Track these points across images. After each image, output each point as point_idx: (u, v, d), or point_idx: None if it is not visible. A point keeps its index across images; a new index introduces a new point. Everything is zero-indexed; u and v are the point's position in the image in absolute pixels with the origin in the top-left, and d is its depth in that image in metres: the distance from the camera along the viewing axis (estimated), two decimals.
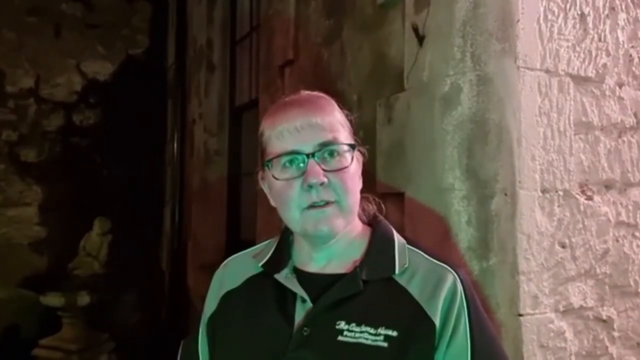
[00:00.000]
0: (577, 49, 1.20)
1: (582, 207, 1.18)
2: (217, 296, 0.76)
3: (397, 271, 0.69)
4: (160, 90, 4.11)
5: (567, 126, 1.17)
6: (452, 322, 0.66)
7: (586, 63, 1.21)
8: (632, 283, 1.25)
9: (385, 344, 0.64)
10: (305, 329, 0.66)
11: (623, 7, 1.28)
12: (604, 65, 1.24)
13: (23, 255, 3.69)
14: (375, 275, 0.69)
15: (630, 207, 1.26)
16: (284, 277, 0.70)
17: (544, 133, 1.13)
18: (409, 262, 0.70)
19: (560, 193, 1.15)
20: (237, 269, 0.77)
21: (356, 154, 0.71)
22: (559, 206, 1.14)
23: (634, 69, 1.29)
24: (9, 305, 3.55)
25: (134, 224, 3.73)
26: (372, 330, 0.64)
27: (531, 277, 1.08)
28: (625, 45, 1.28)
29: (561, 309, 1.12)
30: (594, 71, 1.22)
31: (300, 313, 0.68)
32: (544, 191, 1.12)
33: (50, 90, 3.84)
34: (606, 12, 1.25)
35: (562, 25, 1.18)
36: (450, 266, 0.70)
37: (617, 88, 1.26)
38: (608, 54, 1.25)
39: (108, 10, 3.96)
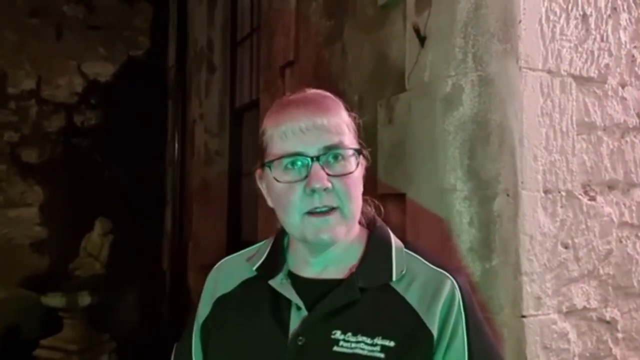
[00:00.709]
0: (579, 49, 1.20)
1: (585, 208, 1.17)
2: (210, 300, 0.74)
3: (394, 278, 0.67)
4: (161, 91, 4.11)
5: (569, 126, 1.16)
6: (450, 331, 0.64)
7: (588, 63, 1.21)
8: (635, 284, 1.24)
9: (382, 355, 0.62)
10: (301, 338, 0.64)
11: (625, 7, 1.27)
12: (607, 65, 1.24)
13: (24, 256, 3.69)
14: (372, 283, 0.67)
15: (633, 208, 1.26)
16: (279, 283, 0.68)
17: (546, 133, 1.13)
18: (407, 269, 0.68)
19: (563, 194, 1.14)
20: (230, 272, 0.75)
21: (360, 158, 0.69)
22: (561, 207, 1.14)
23: (636, 69, 1.29)
24: (10, 306, 3.55)
25: (134, 224, 3.73)
26: (368, 341, 0.63)
27: (534, 278, 1.08)
28: (628, 46, 1.28)
29: (564, 310, 1.12)
30: (597, 71, 1.22)
31: (295, 321, 0.66)
32: (546, 192, 1.12)
33: (52, 91, 3.84)
34: (608, 12, 1.24)
35: (564, 25, 1.17)
36: (449, 271, 0.68)
37: (620, 88, 1.26)
38: (610, 54, 1.24)
39: (109, 11, 3.96)
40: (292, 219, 0.66)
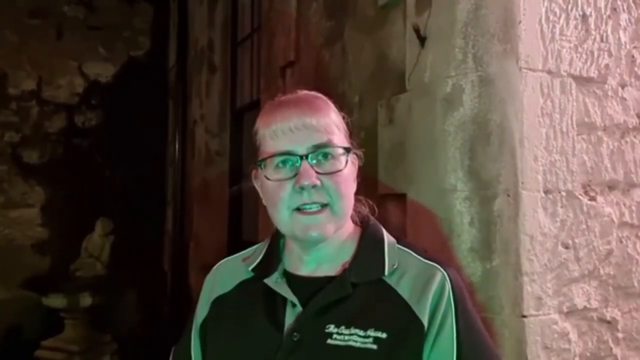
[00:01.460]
0: (579, 49, 1.20)
1: (585, 208, 1.17)
2: (208, 301, 0.76)
3: (386, 272, 0.68)
4: (162, 92, 4.11)
5: (569, 127, 1.16)
6: (439, 320, 0.65)
7: (588, 64, 1.21)
8: (636, 284, 1.24)
9: (374, 346, 0.63)
10: (295, 334, 0.66)
11: (625, 7, 1.27)
12: (606, 65, 1.24)
13: (25, 257, 3.70)
14: (364, 278, 0.68)
15: (633, 208, 1.26)
16: (274, 281, 0.70)
17: (547, 134, 1.13)
18: (399, 263, 0.69)
19: (563, 194, 1.14)
20: (228, 274, 0.77)
21: (351, 157, 0.70)
22: (562, 207, 1.14)
23: (636, 69, 1.29)
24: (11, 306, 3.55)
25: (135, 224, 3.74)
26: (361, 333, 0.64)
27: (534, 278, 1.08)
28: (628, 46, 1.28)
29: (565, 310, 1.12)
30: (596, 72, 1.22)
31: (290, 318, 0.67)
32: (546, 192, 1.12)
33: (52, 92, 3.84)
34: (608, 12, 1.24)
35: (564, 26, 1.17)
36: (440, 265, 0.69)
37: (620, 89, 1.26)
38: (610, 55, 1.24)
39: (109, 12, 3.96)
40: (282, 216, 0.68)
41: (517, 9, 1.12)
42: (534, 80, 1.13)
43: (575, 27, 1.19)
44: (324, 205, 0.66)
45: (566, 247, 1.13)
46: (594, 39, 1.22)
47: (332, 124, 0.69)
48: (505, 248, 1.09)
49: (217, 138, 3.18)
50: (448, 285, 0.67)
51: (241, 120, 3.00)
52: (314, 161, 0.66)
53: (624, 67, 1.27)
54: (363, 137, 1.48)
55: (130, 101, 3.89)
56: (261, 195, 0.73)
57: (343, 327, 0.65)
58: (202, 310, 0.76)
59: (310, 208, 0.66)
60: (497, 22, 1.13)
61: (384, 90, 1.47)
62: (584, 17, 1.20)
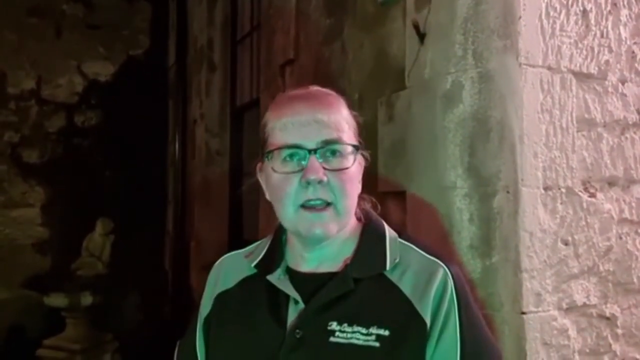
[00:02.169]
0: (580, 45, 1.20)
1: (585, 205, 1.17)
2: (211, 296, 0.76)
3: (388, 267, 0.68)
4: (161, 91, 4.11)
5: (569, 123, 1.16)
6: (442, 318, 0.65)
7: (588, 60, 1.21)
8: (635, 280, 1.24)
9: (377, 344, 0.63)
10: (298, 331, 0.66)
11: (625, 3, 1.27)
12: (607, 61, 1.23)
13: (26, 256, 3.70)
14: (366, 273, 0.68)
15: (633, 204, 1.26)
16: (277, 278, 0.70)
17: (546, 130, 1.13)
18: (401, 257, 0.69)
19: (563, 190, 1.14)
20: (231, 269, 0.77)
21: (358, 156, 0.70)
22: (561, 203, 1.14)
23: (636, 65, 1.29)
24: (12, 306, 3.56)
25: (136, 224, 3.74)
26: (363, 330, 0.64)
27: (534, 275, 1.08)
28: (628, 42, 1.27)
29: (564, 306, 1.12)
30: (597, 68, 1.22)
31: (292, 314, 0.67)
32: (546, 188, 1.12)
33: (52, 91, 3.84)
34: (608, 8, 1.24)
35: (564, 21, 1.17)
36: (442, 260, 0.69)
37: (620, 85, 1.26)
38: (610, 51, 1.24)
39: (109, 10, 3.96)
40: (287, 211, 0.67)
41: (517, 4, 1.11)
42: (534, 76, 1.12)
43: (576, 23, 1.19)
44: (328, 204, 0.66)
45: (566, 243, 1.13)
46: (594, 34, 1.22)
47: (342, 120, 0.69)
48: (504, 245, 1.09)
49: (217, 137, 3.18)
50: (450, 282, 0.67)
51: (241, 119, 2.99)
52: (322, 157, 0.66)
53: (624, 63, 1.26)
54: (363, 135, 1.48)
55: (129, 100, 3.89)
56: (265, 189, 0.72)
57: (345, 324, 0.65)
58: (205, 306, 0.76)
59: (315, 203, 0.66)
60: (497, 17, 1.13)
61: (384, 87, 1.47)
62: (585, 12, 1.20)
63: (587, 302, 1.15)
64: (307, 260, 0.71)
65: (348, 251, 0.71)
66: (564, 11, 1.17)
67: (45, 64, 3.79)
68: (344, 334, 0.64)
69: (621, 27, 1.26)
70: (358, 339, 0.64)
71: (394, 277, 0.68)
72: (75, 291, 3.06)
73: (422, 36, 1.28)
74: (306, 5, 1.96)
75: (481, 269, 1.12)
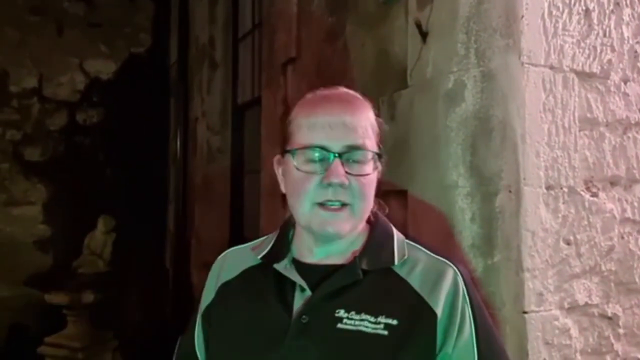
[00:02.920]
0: (582, 44, 1.19)
1: (587, 204, 1.17)
2: (214, 287, 0.76)
3: (396, 262, 0.69)
4: (163, 89, 4.11)
5: (571, 122, 1.16)
6: (459, 316, 0.66)
7: (591, 59, 1.20)
8: (637, 280, 1.24)
9: (385, 332, 0.64)
10: (304, 317, 0.66)
11: (628, 2, 1.27)
12: (609, 61, 1.23)
13: (28, 254, 3.71)
14: (374, 265, 0.69)
15: (635, 204, 1.25)
16: (283, 267, 0.70)
17: (549, 129, 1.13)
18: (409, 255, 0.70)
19: (565, 190, 1.14)
20: (234, 261, 0.78)
21: (378, 163, 0.71)
22: (563, 203, 1.14)
23: (639, 64, 1.28)
24: (14, 304, 3.57)
25: (137, 222, 3.74)
26: (372, 319, 0.65)
27: (536, 274, 1.08)
28: (630, 41, 1.27)
29: (566, 306, 1.12)
30: (599, 67, 1.21)
31: (299, 302, 0.68)
32: (548, 188, 1.12)
33: (54, 89, 3.85)
34: (611, 7, 1.24)
35: (567, 21, 1.17)
36: (450, 261, 0.70)
37: (622, 84, 1.26)
38: (613, 50, 1.24)
39: (110, 8, 3.96)
40: (303, 207, 0.68)
41: (519, 3, 1.11)
42: (536, 76, 1.12)
43: (578, 22, 1.19)
44: (344, 204, 0.67)
45: (568, 243, 1.13)
46: (597, 34, 1.21)
47: (369, 126, 0.70)
48: (506, 244, 1.09)
49: (218, 135, 3.18)
50: (461, 282, 0.68)
51: (243, 117, 2.99)
52: (346, 161, 0.67)
53: (626, 63, 1.26)
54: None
55: (131, 98, 3.89)
56: (281, 182, 0.73)
57: (353, 312, 0.65)
58: (207, 296, 0.77)
59: (333, 205, 0.67)
60: (500, 16, 1.13)
61: (386, 86, 1.47)
62: (587, 12, 1.20)
63: (589, 302, 1.15)
64: (315, 253, 0.71)
65: (357, 246, 0.72)
66: (566, 10, 1.17)
67: (47, 62, 3.80)
68: (352, 322, 0.65)
69: (624, 27, 1.26)
70: (366, 326, 0.64)
71: (402, 272, 0.69)
72: (77, 289, 3.07)
73: (424, 35, 1.28)
74: (308, 4, 1.95)
75: (483, 268, 1.12)
